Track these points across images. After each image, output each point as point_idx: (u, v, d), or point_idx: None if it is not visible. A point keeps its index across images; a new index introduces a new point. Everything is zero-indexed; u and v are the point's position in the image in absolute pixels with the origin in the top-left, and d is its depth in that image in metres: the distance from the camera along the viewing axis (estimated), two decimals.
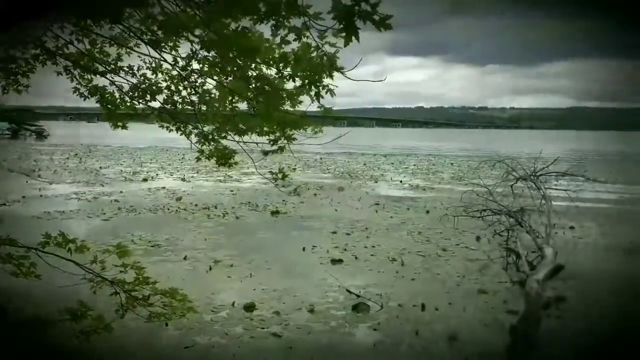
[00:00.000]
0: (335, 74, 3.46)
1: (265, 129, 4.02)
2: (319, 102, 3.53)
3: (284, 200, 14.48)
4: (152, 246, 9.15)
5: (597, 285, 7.45)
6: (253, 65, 3.68)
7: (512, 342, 5.06)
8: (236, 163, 4.51)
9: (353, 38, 2.59)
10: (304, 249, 9.24)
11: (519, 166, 10.30)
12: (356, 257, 8.80)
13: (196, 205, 13.58)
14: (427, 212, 13.52)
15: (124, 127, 5.09)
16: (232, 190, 16.76)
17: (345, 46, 2.60)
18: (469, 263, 8.56)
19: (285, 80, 3.67)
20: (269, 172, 4.40)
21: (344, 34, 2.57)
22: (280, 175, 4.18)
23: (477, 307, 6.45)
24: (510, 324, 5.57)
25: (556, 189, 11.63)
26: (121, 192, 15.83)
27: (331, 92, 3.47)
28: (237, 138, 4.42)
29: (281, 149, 4.20)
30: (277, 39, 3.08)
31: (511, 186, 10.15)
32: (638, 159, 40.63)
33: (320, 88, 3.47)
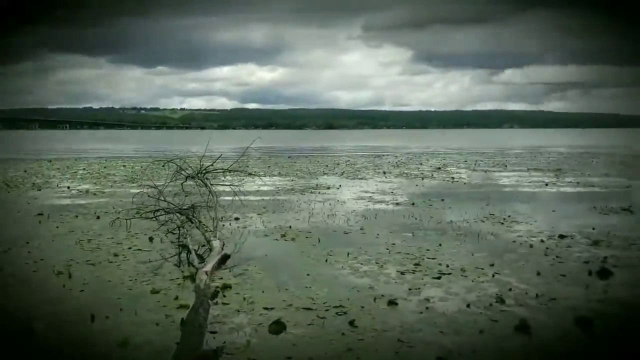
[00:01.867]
0: None
1: None
2: None
3: None
4: None
5: (260, 267, 8.32)
6: None
7: (183, 334, 5.28)
8: None
9: None
10: None
11: (186, 165, 10.67)
12: (14, 276, 7.83)
13: None
14: (98, 217, 12.91)
15: None
16: None
17: None
18: (142, 265, 8.53)
19: None
20: None
21: None
22: None
23: (149, 308, 6.50)
24: (181, 318, 5.80)
25: (222, 185, 12.47)
26: None
27: None
28: None
29: None
30: None
31: (181, 184, 10.46)
32: (290, 154, 46.64)
33: None
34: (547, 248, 9.66)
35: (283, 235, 10.92)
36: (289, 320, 6.00)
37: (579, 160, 36.18)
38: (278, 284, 7.49)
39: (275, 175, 24.70)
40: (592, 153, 44.96)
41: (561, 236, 10.61)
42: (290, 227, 11.77)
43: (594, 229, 11.36)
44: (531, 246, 9.84)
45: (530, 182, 21.63)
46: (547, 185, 20.61)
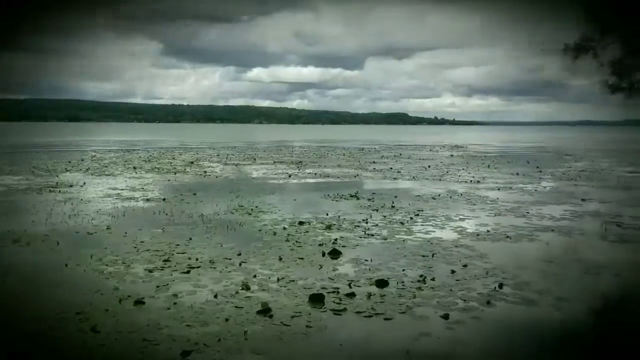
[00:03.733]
0: None
1: None
2: None
3: None
4: None
5: None
6: None
7: None
8: None
9: None
10: None
11: None
12: None
13: None
14: None
15: None
16: None
17: None
18: None
19: None
20: None
21: None
22: None
23: None
24: None
25: None
26: None
27: None
28: None
29: None
30: None
31: None
32: (25, 149, 41.55)
33: None
34: (288, 234, 10.52)
35: (15, 241, 9.76)
36: None
37: (318, 153, 39.93)
38: (4, 295, 6.69)
39: (5, 174, 21.73)
40: (328, 147, 50.03)
41: (300, 223, 11.66)
42: (25, 230, 10.57)
43: (327, 214, 12.77)
44: (275, 234, 10.60)
45: (275, 174, 23.14)
46: (290, 176, 22.31)
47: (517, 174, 23.85)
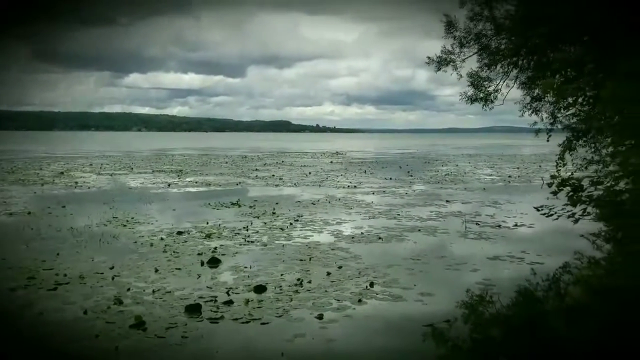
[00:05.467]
0: None
1: None
2: None
3: None
4: None
5: None
6: None
7: None
8: None
9: None
10: None
11: None
12: None
13: None
14: None
15: None
16: None
17: None
18: None
19: None
20: None
21: None
22: None
23: None
24: None
25: None
26: None
27: None
28: None
29: None
30: None
31: None
32: None
33: None
34: (166, 245, 10.30)
35: None
36: None
37: (199, 161, 39.23)
38: None
39: None
40: (211, 155, 49.31)
41: (179, 232, 11.46)
42: None
43: (207, 223, 12.66)
44: (152, 245, 10.33)
45: (154, 184, 22.42)
46: (170, 185, 21.73)
47: (391, 178, 25.18)
